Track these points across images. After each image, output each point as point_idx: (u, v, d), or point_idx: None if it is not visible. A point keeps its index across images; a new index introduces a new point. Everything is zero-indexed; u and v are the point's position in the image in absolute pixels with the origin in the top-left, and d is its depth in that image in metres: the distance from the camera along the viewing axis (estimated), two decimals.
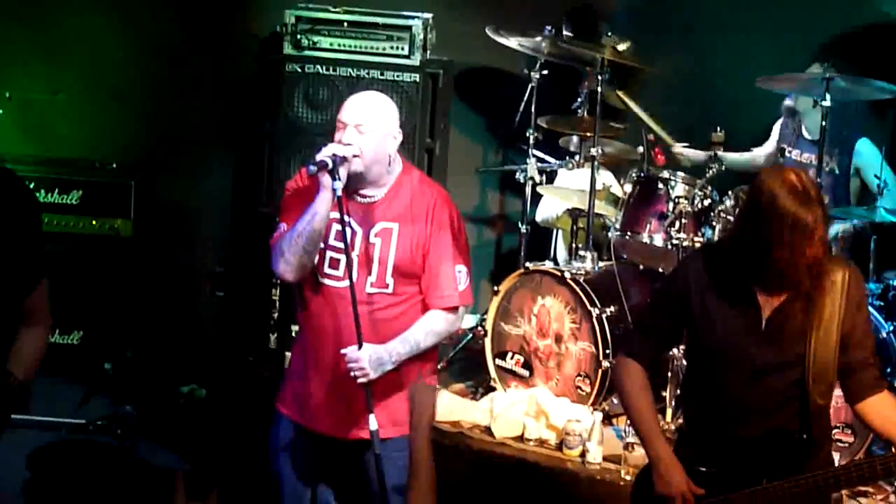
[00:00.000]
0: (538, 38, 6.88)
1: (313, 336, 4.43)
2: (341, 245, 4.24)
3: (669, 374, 5.77)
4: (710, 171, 6.10)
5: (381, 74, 6.62)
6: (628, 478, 5.29)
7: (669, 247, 6.01)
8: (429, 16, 6.76)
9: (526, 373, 6.11)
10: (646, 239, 6.13)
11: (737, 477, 3.81)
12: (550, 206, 7.18)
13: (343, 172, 4.17)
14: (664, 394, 5.78)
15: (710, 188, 6.06)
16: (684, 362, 5.39)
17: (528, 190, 7.01)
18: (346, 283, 4.20)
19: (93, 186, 6.55)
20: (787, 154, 6.68)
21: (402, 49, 6.65)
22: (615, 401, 5.76)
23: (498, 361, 6.19)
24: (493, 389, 6.17)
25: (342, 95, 5.76)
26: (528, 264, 6.28)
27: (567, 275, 5.99)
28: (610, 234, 6.29)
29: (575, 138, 7.15)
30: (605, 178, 6.84)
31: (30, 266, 3.87)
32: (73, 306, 6.35)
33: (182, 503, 3.14)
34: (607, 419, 5.85)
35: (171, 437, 6.00)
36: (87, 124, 6.96)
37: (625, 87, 6.99)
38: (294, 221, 4.27)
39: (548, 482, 5.53)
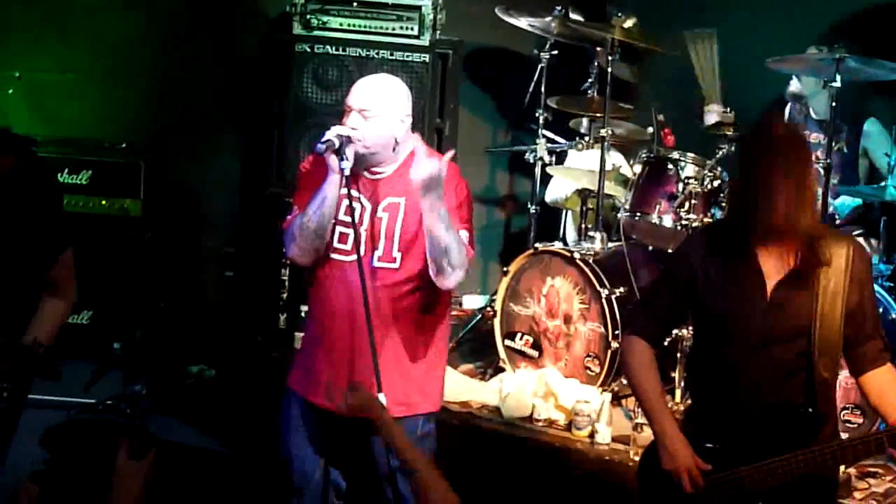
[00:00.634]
0: (548, 18, 6.89)
1: (321, 310, 4.43)
2: (349, 220, 4.23)
3: (679, 354, 5.76)
4: (720, 152, 6.11)
5: (391, 55, 6.60)
6: (637, 458, 5.28)
7: (679, 227, 6.00)
8: None
9: (535, 353, 6.11)
10: (655, 220, 6.13)
11: (743, 452, 3.80)
12: (560, 187, 7.17)
13: (350, 152, 4.17)
14: (673, 374, 5.78)
15: (719, 169, 6.05)
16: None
17: (538, 170, 7.03)
18: (354, 257, 4.20)
19: (102, 166, 6.53)
20: None
21: (412, 29, 6.64)
22: (624, 381, 5.76)
23: (507, 342, 6.19)
24: (503, 370, 6.18)
25: (352, 76, 5.77)
26: (537, 245, 6.28)
27: (576, 255, 5.99)
28: (619, 215, 6.29)
29: (585, 119, 7.15)
30: (615, 158, 6.82)
31: (50, 238, 3.93)
32: (83, 286, 6.25)
33: (124, 462, 3.22)
34: (616, 400, 5.86)
35: (181, 418, 6.00)
36: (97, 104, 6.95)
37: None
38: (305, 204, 4.28)
39: (557, 463, 5.53)
